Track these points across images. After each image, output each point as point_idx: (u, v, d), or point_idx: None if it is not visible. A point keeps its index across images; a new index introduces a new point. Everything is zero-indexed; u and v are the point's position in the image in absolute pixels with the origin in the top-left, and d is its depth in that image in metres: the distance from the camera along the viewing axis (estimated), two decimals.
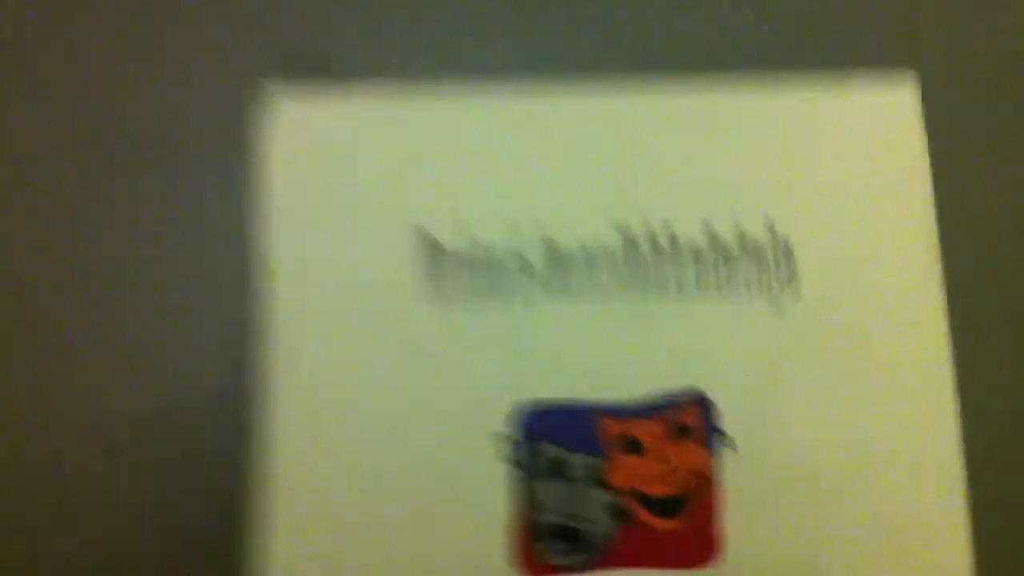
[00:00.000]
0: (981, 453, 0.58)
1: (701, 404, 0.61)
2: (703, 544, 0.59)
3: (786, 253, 0.62)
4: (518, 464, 0.59)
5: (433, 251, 0.61)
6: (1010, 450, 0.60)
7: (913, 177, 0.63)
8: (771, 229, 0.62)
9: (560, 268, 0.62)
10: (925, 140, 0.62)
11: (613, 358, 0.61)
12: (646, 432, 0.61)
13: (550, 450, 0.60)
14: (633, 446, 0.60)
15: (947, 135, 0.62)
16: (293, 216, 0.60)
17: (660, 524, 0.59)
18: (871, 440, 0.60)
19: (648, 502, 0.60)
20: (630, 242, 0.62)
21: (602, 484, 0.60)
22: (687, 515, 0.59)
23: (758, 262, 0.62)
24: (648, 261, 0.62)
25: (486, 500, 0.59)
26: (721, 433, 0.61)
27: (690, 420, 0.61)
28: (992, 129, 0.64)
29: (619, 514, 0.59)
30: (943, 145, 0.62)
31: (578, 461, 0.60)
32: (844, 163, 0.63)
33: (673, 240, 0.62)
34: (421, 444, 0.59)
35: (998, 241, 0.63)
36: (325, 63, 0.61)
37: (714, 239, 0.62)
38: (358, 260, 0.61)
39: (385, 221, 0.61)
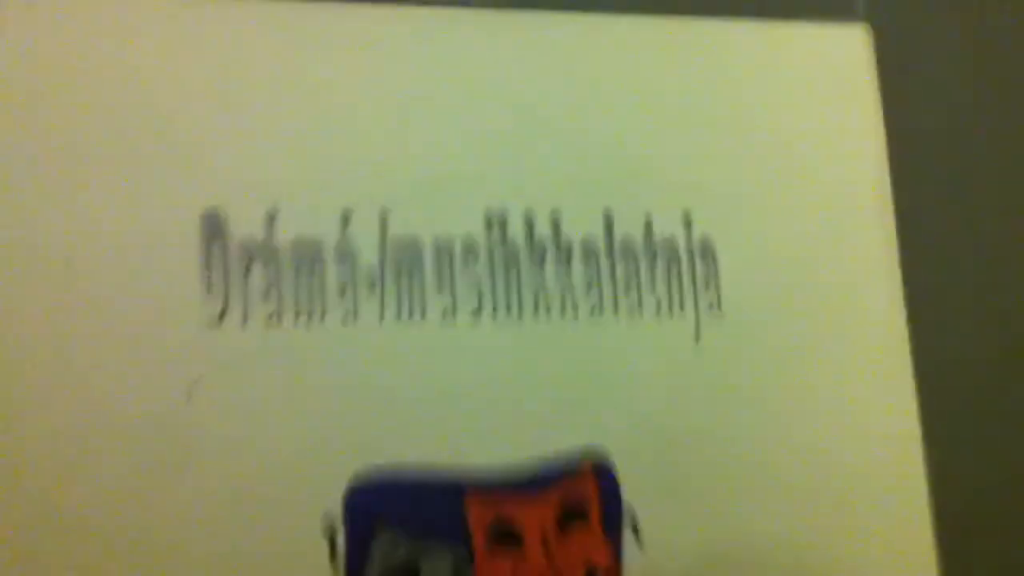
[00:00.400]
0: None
1: (601, 475, 0.52)
2: None
3: (705, 252, 0.56)
4: (349, 570, 0.47)
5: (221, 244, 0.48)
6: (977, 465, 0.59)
7: (868, 138, 0.60)
8: (687, 221, 0.56)
9: (409, 273, 0.51)
10: (878, 94, 0.61)
11: (481, 402, 0.51)
12: (527, 517, 0.50)
13: (395, 544, 0.47)
14: (508, 537, 0.50)
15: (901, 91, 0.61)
16: None
17: None
18: (827, 522, 0.55)
19: None
20: (503, 236, 0.53)
21: None
22: None
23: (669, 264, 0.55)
24: (524, 262, 0.53)
25: None
26: (626, 518, 0.52)
27: (586, 498, 0.52)
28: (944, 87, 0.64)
29: None
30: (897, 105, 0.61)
31: (438, 563, 0.48)
32: (786, 123, 0.59)
33: (557, 232, 0.54)
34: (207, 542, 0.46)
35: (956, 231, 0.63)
36: None
37: (612, 232, 0.55)
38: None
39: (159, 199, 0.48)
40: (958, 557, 0.56)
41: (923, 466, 0.57)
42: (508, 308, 0.52)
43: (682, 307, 0.55)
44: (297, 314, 0.48)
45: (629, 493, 0.52)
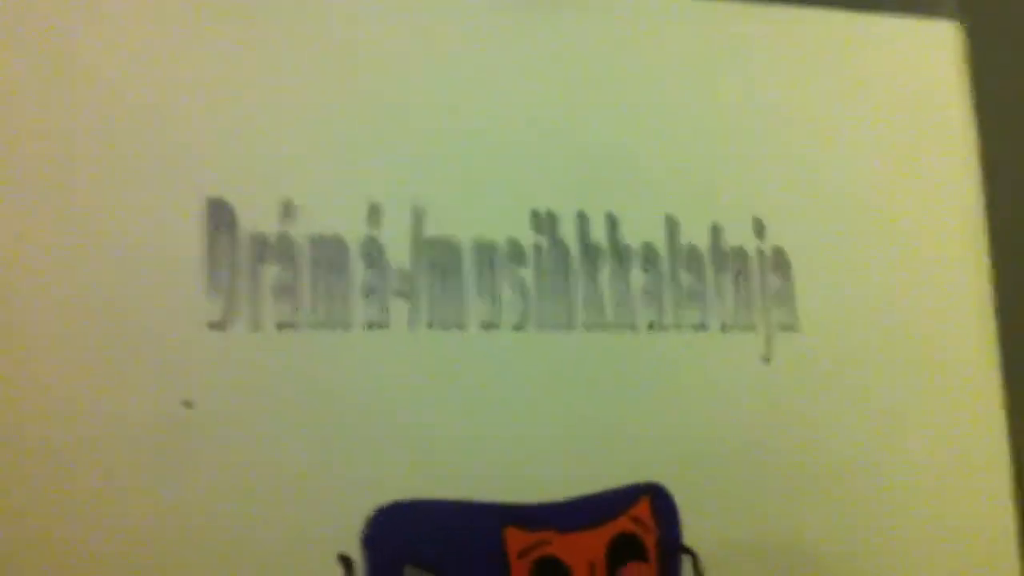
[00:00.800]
0: None
1: (658, 510, 0.48)
2: None
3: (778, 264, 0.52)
4: None
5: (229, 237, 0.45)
6: None
7: (959, 145, 0.57)
8: (760, 230, 0.52)
9: (445, 277, 0.47)
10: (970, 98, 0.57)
11: (524, 425, 0.47)
12: (575, 554, 0.46)
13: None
14: (551, 571, 0.45)
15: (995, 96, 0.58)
16: None
17: None
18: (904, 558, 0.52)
19: None
20: (552, 239, 0.49)
21: None
22: None
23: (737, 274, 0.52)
24: (577, 268, 0.49)
25: None
26: (687, 552, 0.48)
27: (642, 535, 0.47)
28: None
29: None
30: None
31: None
32: (869, 126, 0.55)
33: (614, 236, 0.50)
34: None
35: None
36: None
37: (676, 238, 0.51)
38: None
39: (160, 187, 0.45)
40: None
41: (1011, 499, 0.54)
42: (557, 318, 0.48)
43: (752, 323, 0.51)
44: (315, 318, 0.45)
45: (688, 527, 0.48)
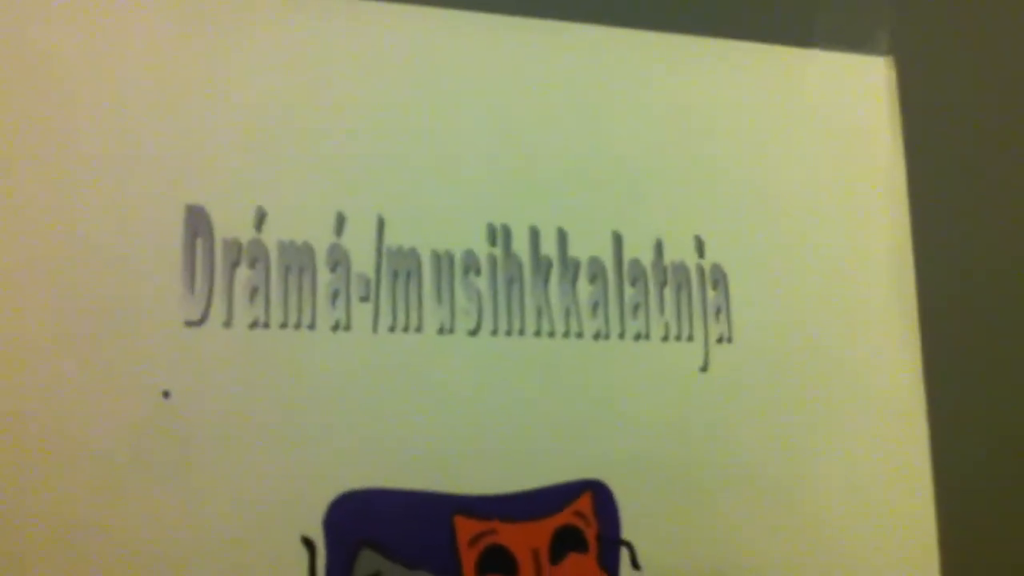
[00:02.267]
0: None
1: (599, 505, 0.49)
2: None
3: (716, 280, 0.54)
4: None
5: (205, 246, 0.46)
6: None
7: (888, 173, 0.59)
8: (700, 247, 0.54)
9: (406, 284, 0.49)
10: (900, 129, 0.60)
11: (476, 423, 0.48)
12: (520, 543, 0.47)
13: (376, 564, 0.45)
14: (499, 560, 0.47)
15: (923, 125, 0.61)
16: None
17: None
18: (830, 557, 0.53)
19: None
20: (506, 251, 0.50)
21: None
22: None
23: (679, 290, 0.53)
24: (528, 279, 0.51)
25: None
26: (624, 545, 0.49)
27: (583, 528, 0.49)
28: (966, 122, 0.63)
29: None
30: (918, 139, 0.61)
31: None
32: (803, 153, 0.57)
33: (564, 250, 0.52)
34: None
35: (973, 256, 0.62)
36: None
37: (621, 253, 0.52)
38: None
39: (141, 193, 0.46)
40: None
41: (932, 506, 0.55)
42: (509, 325, 0.49)
43: (691, 335, 0.52)
44: (285, 319, 0.46)
45: (626, 522, 0.49)
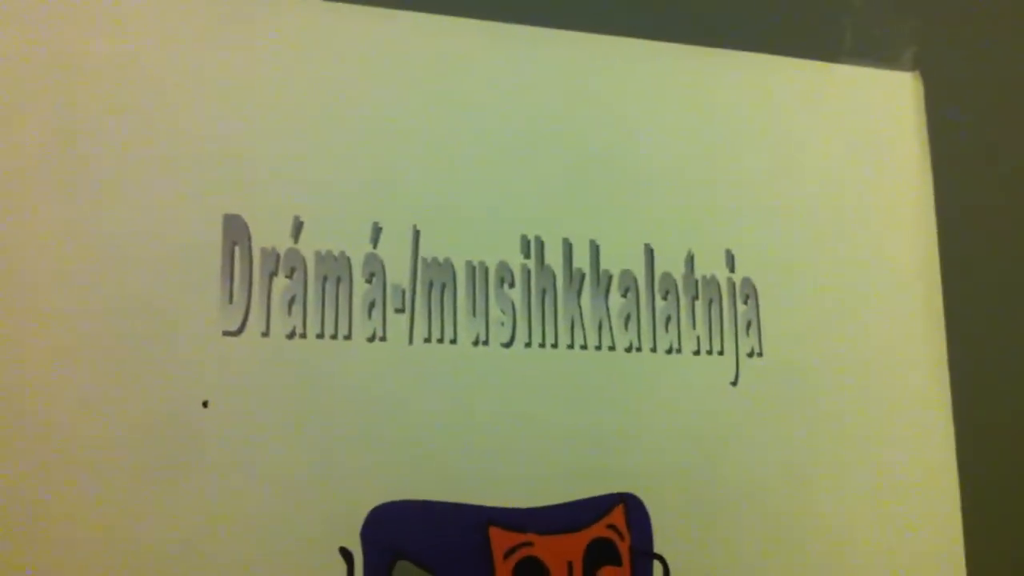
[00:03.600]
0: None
1: (632, 519, 0.49)
2: None
3: (747, 294, 0.54)
4: None
5: (243, 255, 0.47)
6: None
7: (916, 188, 0.59)
8: (730, 261, 0.54)
9: (441, 295, 0.49)
10: (927, 144, 0.60)
11: (510, 434, 0.48)
12: (555, 555, 0.47)
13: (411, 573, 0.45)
14: (533, 573, 0.47)
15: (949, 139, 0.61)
16: None
17: None
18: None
19: None
20: (539, 263, 0.51)
21: None
22: None
23: (710, 304, 0.53)
24: (561, 291, 0.51)
25: None
26: (658, 559, 0.49)
27: (616, 541, 0.49)
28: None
29: None
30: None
31: None
32: (833, 168, 0.58)
33: (596, 263, 0.52)
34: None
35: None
36: None
37: (653, 266, 0.53)
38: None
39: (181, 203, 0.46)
40: None
41: (959, 520, 0.55)
42: (543, 338, 0.49)
43: (722, 349, 0.52)
44: (322, 330, 0.46)
45: (659, 535, 0.49)
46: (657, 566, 0.49)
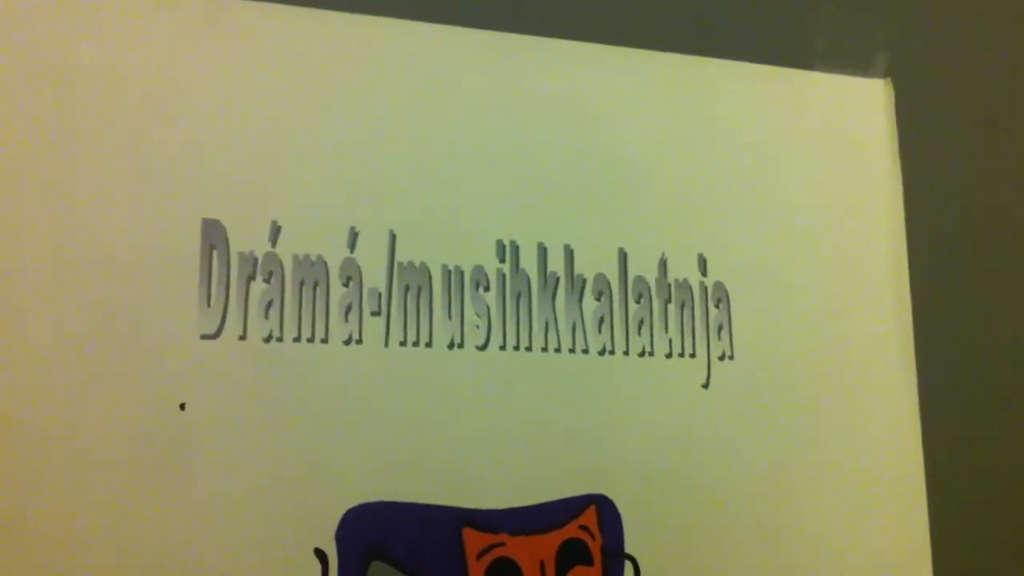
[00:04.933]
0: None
1: (604, 520, 0.50)
2: None
3: (718, 298, 0.55)
4: None
5: (221, 259, 0.47)
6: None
7: (886, 193, 0.60)
8: (703, 265, 0.55)
9: (417, 299, 0.49)
10: (898, 150, 0.61)
11: (485, 436, 0.49)
12: (527, 556, 0.48)
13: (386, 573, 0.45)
14: (506, 573, 0.47)
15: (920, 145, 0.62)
16: None
17: None
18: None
19: None
20: (515, 267, 0.51)
21: None
22: None
23: (682, 307, 0.54)
24: (536, 295, 0.51)
25: None
26: (628, 559, 0.50)
27: (588, 541, 0.49)
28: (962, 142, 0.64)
29: None
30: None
31: None
32: (804, 173, 0.58)
33: (571, 267, 0.52)
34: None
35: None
36: None
37: (626, 270, 0.53)
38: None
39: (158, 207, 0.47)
40: None
41: (926, 520, 0.56)
42: (517, 340, 0.50)
43: (694, 351, 0.53)
44: (299, 333, 0.46)
45: (630, 536, 0.50)
46: (629, 567, 0.49)
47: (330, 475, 0.46)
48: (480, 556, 0.46)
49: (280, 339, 0.46)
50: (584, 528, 0.48)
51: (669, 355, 0.52)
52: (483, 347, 0.49)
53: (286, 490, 0.45)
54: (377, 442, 0.47)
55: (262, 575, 0.44)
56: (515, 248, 0.51)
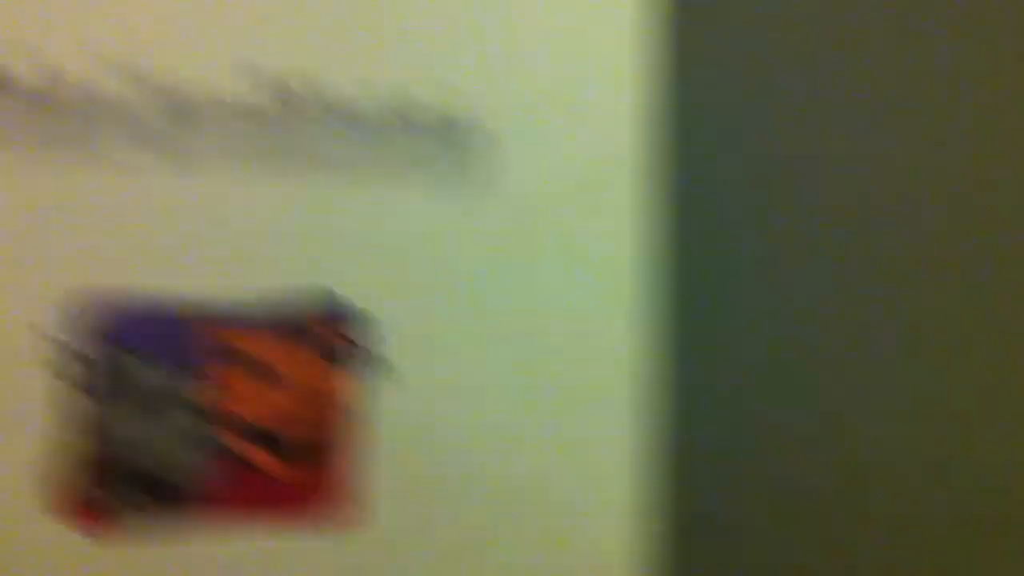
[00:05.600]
0: None
1: (339, 313, 0.52)
2: (334, 500, 0.50)
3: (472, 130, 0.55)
4: (64, 375, 0.47)
5: None
6: None
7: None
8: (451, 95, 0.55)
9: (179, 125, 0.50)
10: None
11: (222, 243, 0.50)
12: (259, 345, 0.50)
13: (117, 359, 0.47)
14: (239, 362, 0.49)
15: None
16: None
17: (279, 470, 0.49)
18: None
19: (261, 438, 0.49)
20: (256, 92, 0.52)
21: (196, 410, 0.48)
22: (318, 461, 0.50)
23: (443, 141, 0.55)
24: (280, 119, 0.52)
25: (14, 422, 0.46)
26: (370, 354, 0.51)
27: (323, 331, 0.51)
28: None
29: (216, 452, 0.49)
30: None
31: (157, 376, 0.48)
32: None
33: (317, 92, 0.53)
34: None
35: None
36: None
37: (381, 102, 0.53)
38: None
39: None
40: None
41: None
42: (260, 162, 0.51)
43: (450, 181, 0.54)
44: None
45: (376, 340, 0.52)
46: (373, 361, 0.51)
47: (48, 258, 0.47)
48: (211, 343, 0.49)
49: None
50: (322, 322, 0.51)
51: (424, 185, 0.54)
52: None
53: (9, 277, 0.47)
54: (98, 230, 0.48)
55: None
56: (258, 73, 0.52)
